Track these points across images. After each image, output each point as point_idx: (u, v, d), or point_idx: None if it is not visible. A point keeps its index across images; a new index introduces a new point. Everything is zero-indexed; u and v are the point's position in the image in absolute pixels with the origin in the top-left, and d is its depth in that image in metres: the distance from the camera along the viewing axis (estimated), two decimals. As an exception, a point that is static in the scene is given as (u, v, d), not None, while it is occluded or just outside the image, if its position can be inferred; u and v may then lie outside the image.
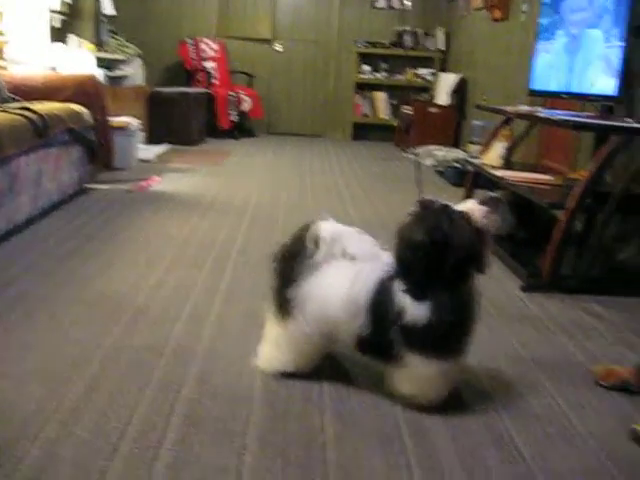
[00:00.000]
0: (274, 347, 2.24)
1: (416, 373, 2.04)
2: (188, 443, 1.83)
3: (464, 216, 1.98)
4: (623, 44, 3.39)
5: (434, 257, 1.93)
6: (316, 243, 2.10)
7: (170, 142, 7.47)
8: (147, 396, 2.07)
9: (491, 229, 2.02)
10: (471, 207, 2.02)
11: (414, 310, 1.95)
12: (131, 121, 6.06)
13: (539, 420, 2.09)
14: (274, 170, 6.58)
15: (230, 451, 1.81)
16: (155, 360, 2.31)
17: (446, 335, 1.97)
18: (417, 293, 1.96)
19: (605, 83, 3.54)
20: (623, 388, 2.31)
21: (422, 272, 1.96)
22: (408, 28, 9.30)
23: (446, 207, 1.98)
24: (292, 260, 2.15)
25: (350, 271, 2.06)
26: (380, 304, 2.01)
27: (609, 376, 2.35)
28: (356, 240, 2.12)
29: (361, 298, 2.02)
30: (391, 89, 9.48)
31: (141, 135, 6.72)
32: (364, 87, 9.51)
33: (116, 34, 7.90)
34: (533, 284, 3.33)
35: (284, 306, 2.14)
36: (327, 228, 2.13)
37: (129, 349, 2.38)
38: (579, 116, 3.74)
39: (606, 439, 2.01)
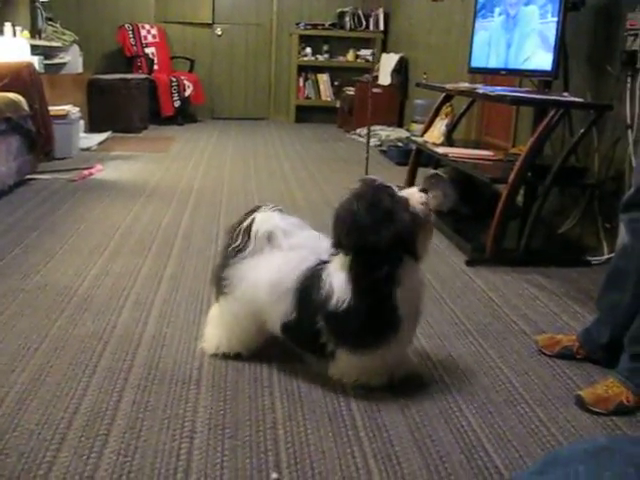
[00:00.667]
0: (213, 327, 2.27)
1: (345, 366, 2.05)
2: (137, 429, 1.82)
3: (402, 199, 1.92)
4: (558, 19, 3.44)
5: (368, 233, 1.88)
6: (249, 237, 2.09)
7: (112, 130, 7.34)
8: (94, 384, 2.05)
9: (429, 214, 1.96)
10: (411, 192, 1.97)
11: (342, 292, 1.92)
12: (71, 109, 5.93)
13: (485, 390, 2.13)
14: (218, 155, 6.53)
15: (180, 435, 1.81)
16: (101, 348, 2.29)
17: (361, 322, 1.93)
18: (350, 270, 1.93)
19: (542, 58, 3.59)
20: (567, 356, 2.36)
21: (353, 246, 1.92)
22: (349, 9, 9.29)
23: (387, 187, 1.93)
24: (232, 243, 2.15)
25: (282, 256, 2.05)
26: (306, 291, 1.98)
27: (553, 345, 2.40)
28: (291, 235, 2.09)
29: (286, 283, 2.00)
30: (333, 71, 9.47)
31: (82, 123, 6.59)
32: (306, 69, 9.48)
33: (52, 20, 7.72)
34: (477, 258, 3.38)
35: (220, 285, 2.15)
36: (262, 224, 2.10)
37: (74, 338, 2.35)
38: (517, 91, 3.79)
39: (551, 405, 2.06)
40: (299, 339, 2.10)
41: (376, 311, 1.93)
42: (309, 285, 1.99)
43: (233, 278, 2.10)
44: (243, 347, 2.23)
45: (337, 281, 1.94)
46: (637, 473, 0.81)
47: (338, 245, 1.97)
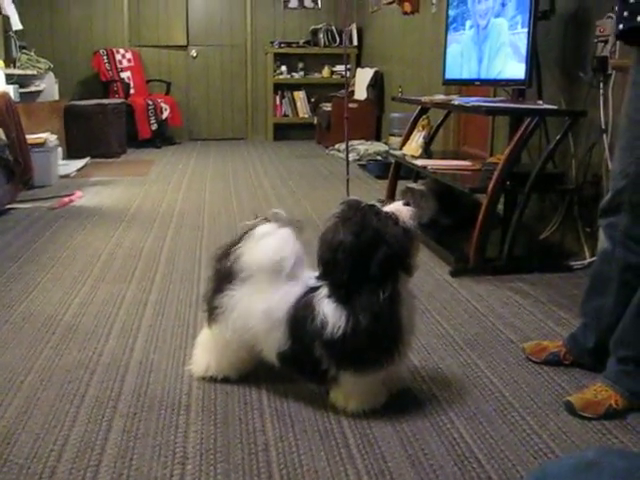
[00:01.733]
0: (202, 350, 2.26)
1: (349, 389, 2.02)
2: (128, 458, 1.81)
3: (391, 216, 1.91)
4: (528, 29, 3.47)
5: (360, 257, 1.87)
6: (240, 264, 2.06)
7: (90, 156, 7.32)
8: (83, 414, 2.03)
9: (415, 225, 1.94)
10: (398, 207, 1.95)
11: (336, 319, 1.89)
12: (48, 137, 5.92)
13: (475, 400, 2.13)
14: (198, 176, 6.52)
15: (172, 461, 1.79)
16: (88, 377, 2.27)
17: (368, 343, 1.89)
18: (341, 297, 1.91)
19: (515, 68, 3.63)
20: (554, 362, 2.37)
21: (347, 274, 1.88)
22: (322, 26, 9.34)
23: (372, 207, 1.92)
24: (223, 269, 2.12)
25: (273, 286, 2.02)
26: (300, 319, 1.96)
27: (540, 351, 2.41)
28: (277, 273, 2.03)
29: (278, 312, 1.98)
30: (309, 87, 9.50)
31: (60, 150, 6.57)
32: (282, 87, 9.51)
33: (26, 49, 7.70)
34: (461, 268, 3.39)
35: (212, 312, 2.13)
36: (250, 254, 2.05)
37: (61, 369, 2.33)
38: (492, 101, 3.82)
39: (541, 413, 2.06)
40: (298, 368, 2.08)
41: (381, 331, 1.90)
42: (301, 314, 1.96)
43: (226, 306, 2.07)
44: (233, 371, 2.22)
45: (329, 308, 1.91)
46: (625, 487, 0.82)
47: (330, 273, 1.94)
